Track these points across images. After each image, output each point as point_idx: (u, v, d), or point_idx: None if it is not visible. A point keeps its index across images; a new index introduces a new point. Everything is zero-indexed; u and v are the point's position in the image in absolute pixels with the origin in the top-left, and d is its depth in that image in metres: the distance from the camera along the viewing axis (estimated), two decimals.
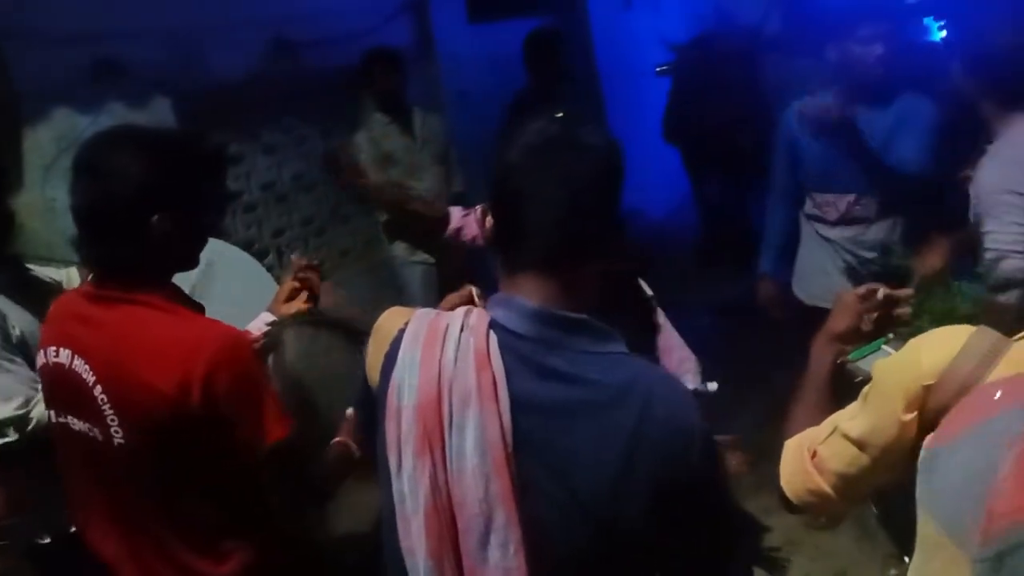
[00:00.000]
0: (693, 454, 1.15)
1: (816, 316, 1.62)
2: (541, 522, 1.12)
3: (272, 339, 2.03)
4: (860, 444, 1.22)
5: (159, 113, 3.45)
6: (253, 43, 3.91)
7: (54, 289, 2.14)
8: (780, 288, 3.21)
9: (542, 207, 1.17)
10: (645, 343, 2.30)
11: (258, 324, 2.05)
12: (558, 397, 1.13)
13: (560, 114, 1.25)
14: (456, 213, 2.48)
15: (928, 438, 1.09)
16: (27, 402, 1.93)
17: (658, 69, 6.33)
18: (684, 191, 6.61)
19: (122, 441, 1.58)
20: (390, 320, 1.30)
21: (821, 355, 1.54)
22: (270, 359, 2.08)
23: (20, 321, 2.01)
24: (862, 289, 1.57)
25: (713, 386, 2.39)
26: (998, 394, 0.85)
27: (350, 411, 1.82)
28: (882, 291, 1.55)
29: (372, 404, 1.27)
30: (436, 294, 3.87)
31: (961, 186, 2.37)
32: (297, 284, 2.08)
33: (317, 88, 4.23)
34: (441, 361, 1.14)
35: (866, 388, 1.25)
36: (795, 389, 1.52)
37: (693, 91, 5.81)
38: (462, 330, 1.17)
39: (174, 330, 1.56)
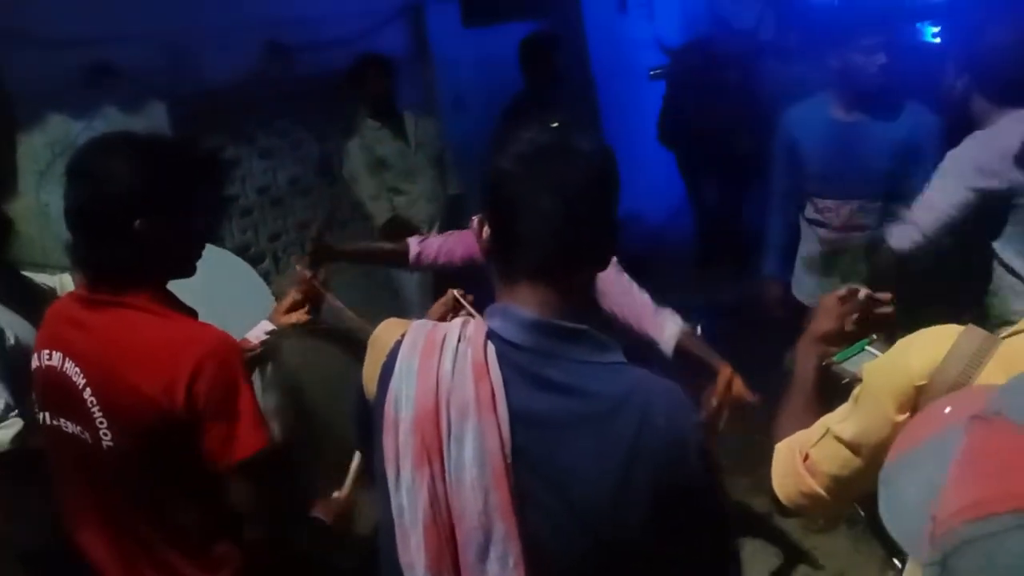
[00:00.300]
0: (692, 460, 1.14)
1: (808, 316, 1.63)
2: (540, 535, 1.11)
3: (270, 348, 2.03)
4: (852, 446, 1.22)
5: (154, 117, 3.45)
6: (248, 47, 3.91)
7: (48, 295, 2.14)
8: (785, 290, 3.21)
9: (538, 216, 1.16)
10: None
11: (257, 333, 2.05)
12: (556, 409, 1.12)
13: (555, 123, 1.24)
14: (412, 242, 2.51)
15: (889, 453, 1.09)
16: (5, 415, 1.92)
17: (652, 72, 6.34)
18: (680, 195, 6.62)
19: (111, 444, 1.58)
20: (387, 331, 1.29)
21: (806, 357, 1.54)
22: (269, 368, 2.08)
23: (16, 328, 2.00)
24: (843, 291, 1.57)
25: (698, 329, 2.43)
26: (947, 409, 0.86)
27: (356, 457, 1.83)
28: (863, 292, 1.56)
29: (368, 416, 1.25)
30: (432, 298, 3.85)
31: None
32: (299, 295, 2.08)
33: (312, 92, 4.23)
34: (439, 372, 1.13)
35: (857, 390, 1.26)
36: (783, 392, 1.52)
37: (687, 95, 5.82)
38: (459, 341, 1.15)
39: (162, 333, 1.56)
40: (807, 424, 1.34)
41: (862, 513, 3.00)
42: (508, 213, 1.19)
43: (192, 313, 1.68)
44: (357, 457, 1.86)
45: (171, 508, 1.63)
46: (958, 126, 2.46)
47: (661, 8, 7.09)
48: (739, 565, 1.25)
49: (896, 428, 1.17)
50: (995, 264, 2.38)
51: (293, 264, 2.40)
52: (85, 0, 3.20)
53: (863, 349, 1.51)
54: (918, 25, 3.96)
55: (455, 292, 1.55)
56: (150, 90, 3.43)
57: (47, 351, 1.65)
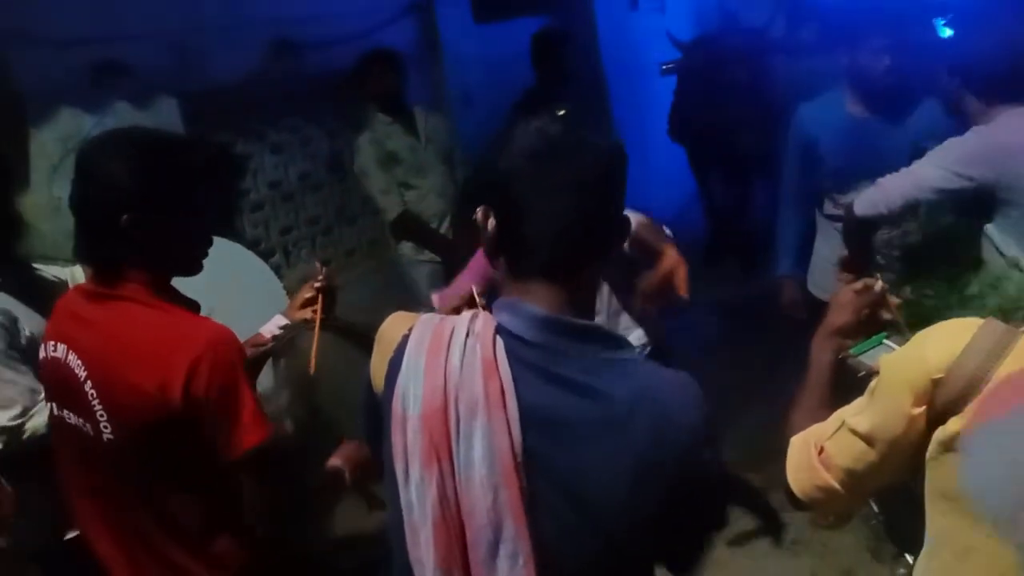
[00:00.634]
0: (704, 457, 1.14)
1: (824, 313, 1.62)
2: (550, 533, 1.10)
3: (283, 343, 2.03)
4: (868, 439, 1.22)
5: (164, 114, 3.46)
6: (257, 44, 3.92)
7: (59, 287, 2.15)
8: (801, 289, 3.19)
9: (548, 212, 1.15)
10: None
11: (270, 327, 2.06)
12: (568, 407, 1.11)
13: (563, 112, 1.23)
14: (434, 298, 2.47)
15: (952, 427, 1.09)
16: (23, 413, 1.93)
17: (663, 67, 6.33)
18: (690, 190, 6.61)
19: (111, 437, 1.59)
20: (393, 326, 1.27)
21: (822, 351, 1.53)
22: (282, 363, 2.08)
23: (30, 322, 2.02)
24: (859, 284, 1.56)
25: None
26: None
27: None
28: (879, 285, 1.55)
29: (377, 411, 1.25)
30: None
31: None
32: (315, 290, 2.09)
33: (323, 88, 4.23)
34: (447, 368, 1.11)
35: (873, 383, 1.25)
36: (799, 386, 1.52)
37: (698, 90, 5.81)
38: (468, 336, 1.13)
39: (159, 328, 1.56)
40: (823, 418, 1.34)
41: (875, 509, 2.99)
42: (518, 208, 1.17)
43: (194, 307, 1.68)
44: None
45: (171, 503, 1.63)
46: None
47: (672, 3, 7.08)
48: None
49: (912, 421, 1.16)
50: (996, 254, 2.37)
51: (304, 259, 2.40)
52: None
53: (880, 342, 1.50)
54: (932, 21, 3.93)
55: (473, 289, 1.54)
56: (161, 87, 3.44)
57: (52, 343, 1.67)
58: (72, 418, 1.65)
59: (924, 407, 1.16)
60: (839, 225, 3.01)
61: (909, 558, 2.85)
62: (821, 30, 5.09)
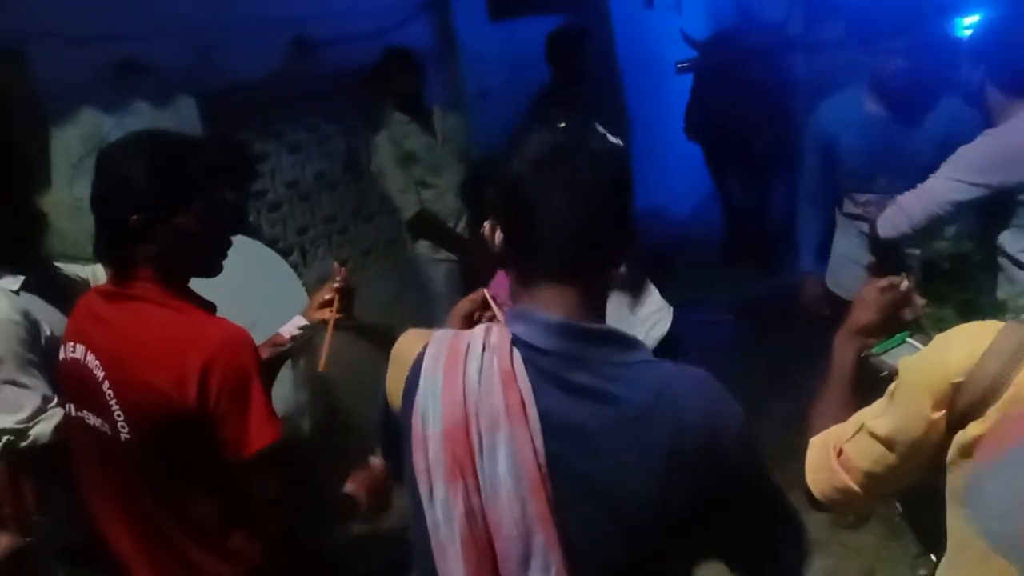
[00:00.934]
0: (734, 455, 1.13)
1: (844, 311, 1.61)
2: (580, 542, 1.09)
3: (303, 343, 2.04)
4: (887, 442, 1.21)
5: (184, 113, 3.48)
6: (276, 43, 3.93)
7: (81, 286, 2.16)
8: (823, 286, 3.17)
9: (558, 218, 1.14)
10: None
11: (290, 328, 2.07)
12: (588, 414, 1.10)
13: (563, 123, 1.22)
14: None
15: (972, 432, 1.08)
16: (31, 418, 1.95)
17: (679, 65, 6.31)
18: (708, 189, 6.59)
19: (128, 437, 1.61)
20: (407, 344, 1.26)
21: (844, 350, 1.53)
22: (301, 363, 2.09)
23: (52, 320, 2.03)
24: (884, 282, 1.55)
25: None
26: None
27: (375, 460, 1.82)
28: (904, 283, 1.54)
29: (395, 428, 1.24)
30: (460, 292, 3.86)
31: None
32: (336, 288, 2.09)
33: (340, 87, 4.24)
34: (464, 383, 1.11)
35: (892, 385, 1.24)
36: (819, 386, 1.51)
37: (714, 88, 5.79)
38: (484, 349, 1.13)
39: (174, 328, 1.58)
40: (844, 418, 1.33)
41: (899, 508, 2.98)
42: (524, 217, 1.16)
43: (210, 308, 1.70)
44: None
45: (187, 500, 1.64)
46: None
47: (688, 1, 7.05)
48: (801, 537, 1.23)
49: (931, 425, 1.15)
50: (1004, 260, 2.35)
51: (321, 257, 2.41)
52: None
53: (903, 342, 1.49)
54: (951, 19, 3.91)
55: (486, 292, 1.54)
56: (180, 86, 3.46)
57: (71, 344, 1.69)
58: (91, 419, 1.67)
59: (944, 411, 1.15)
60: (859, 223, 3.00)
61: (933, 558, 2.84)
62: (839, 27, 5.07)
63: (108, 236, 1.63)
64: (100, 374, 1.62)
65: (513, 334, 1.14)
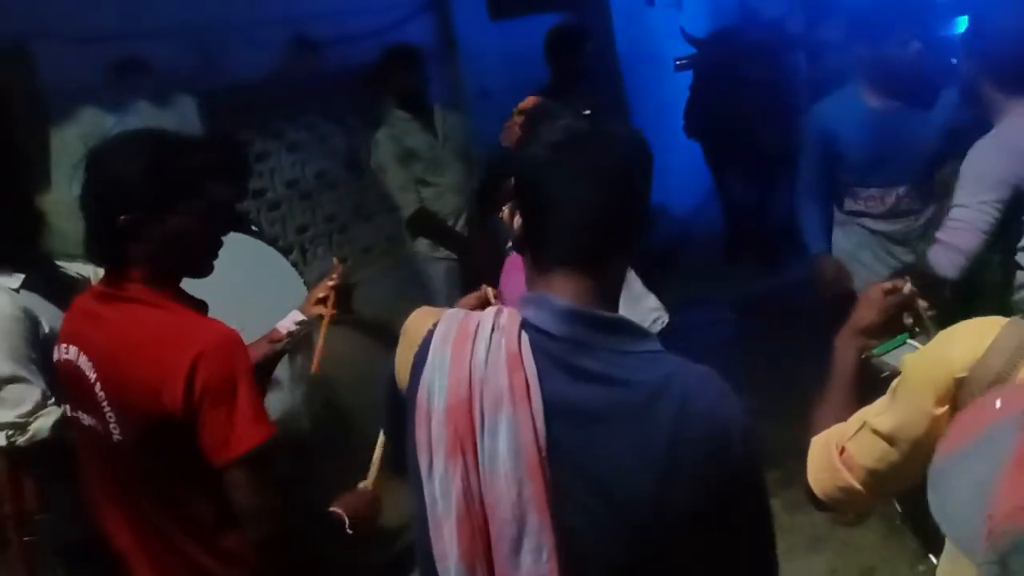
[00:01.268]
0: (735, 451, 1.12)
1: (844, 310, 1.61)
2: (575, 527, 1.10)
3: (301, 338, 2.04)
4: (890, 439, 1.21)
5: (184, 112, 3.48)
6: (276, 42, 3.93)
7: (82, 284, 2.17)
8: (838, 263, 3.10)
9: (574, 205, 1.15)
10: None
11: (287, 323, 2.07)
12: (592, 399, 1.10)
13: (588, 111, 1.23)
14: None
15: (936, 452, 1.08)
16: (31, 412, 1.95)
17: (677, 62, 6.30)
18: (709, 187, 6.59)
19: (120, 437, 1.61)
20: (419, 320, 1.28)
21: (845, 350, 1.53)
22: (299, 358, 2.09)
23: (53, 319, 2.03)
24: (888, 283, 1.56)
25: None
26: (998, 403, 0.84)
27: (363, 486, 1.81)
28: (908, 286, 1.54)
29: (399, 405, 1.25)
30: (459, 290, 3.87)
31: None
32: (332, 286, 2.09)
33: (340, 86, 4.24)
34: (472, 362, 1.12)
35: (895, 382, 1.24)
36: (820, 385, 1.51)
37: (714, 86, 5.79)
38: (493, 330, 1.14)
39: (163, 328, 1.58)
40: (844, 417, 1.33)
41: (899, 508, 2.98)
42: (543, 202, 1.18)
43: (202, 307, 1.69)
44: (380, 443, 1.84)
45: (182, 500, 1.65)
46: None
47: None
48: (774, 553, 1.23)
49: (934, 421, 1.15)
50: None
51: (321, 256, 2.41)
52: None
53: (904, 342, 1.49)
54: (951, 15, 3.91)
55: (489, 289, 1.55)
56: (180, 85, 3.46)
57: (65, 344, 1.69)
58: (86, 419, 1.68)
59: (946, 407, 1.14)
60: (862, 220, 3.00)
61: (933, 559, 2.84)
62: (840, 24, 5.07)
63: (98, 236, 1.63)
64: (92, 375, 1.62)
65: (523, 318, 1.15)
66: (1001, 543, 0.71)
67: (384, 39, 4.14)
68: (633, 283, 2.39)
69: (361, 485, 1.86)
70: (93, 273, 2.26)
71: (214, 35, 3.56)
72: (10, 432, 1.95)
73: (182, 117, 3.44)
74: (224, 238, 1.75)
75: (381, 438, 1.81)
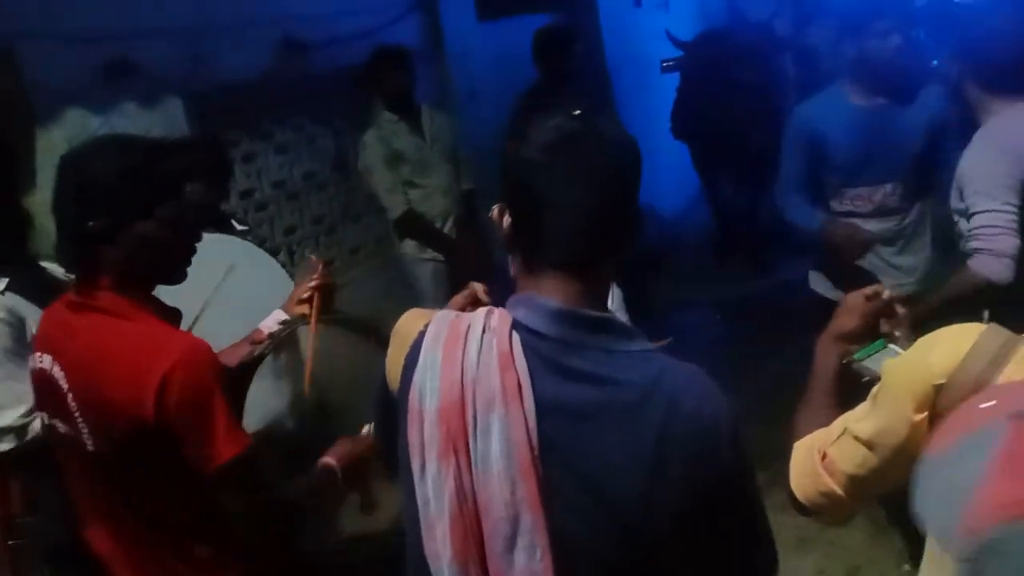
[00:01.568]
0: (723, 450, 1.13)
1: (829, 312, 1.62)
2: (568, 526, 1.10)
3: (280, 338, 2.03)
4: (870, 445, 1.22)
5: (171, 113, 3.47)
6: (264, 43, 3.92)
7: (67, 286, 2.15)
8: (849, 225, 2.97)
9: (565, 206, 1.16)
10: None
11: (270, 323, 2.05)
12: (583, 398, 1.11)
13: (579, 111, 1.23)
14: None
15: (924, 452, 1.09)
16: (30, 411, 1.94)
17: (663, 64, 6.32)
18: (694, 189, 6.61)
19: (93, 447, 1.60)
20: (410, 322, 1.28)
21: (826, 354, 1.54)
22: (283, 358, 2.08)
23: (37, 321, 2.02)
24: (869, 289, 1.57)
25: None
26: (984, 405, 0.85)
27: (365, 429, 1.81)
28: (887, 293, 1.56)
29: (392, 406, 1.25)
30: (447, 290, 3.86)
31: None
32: (314, 284, 2.08)
33: (328, 87, 4.24)
34: (463, 363, 1.12)
35: (875, 388, 1.25)
36: (802, 390, 1.52)
37: (701, 88, 5.81)
38: (484, 331, 1.14)
39: (133, 340, 1.56)
40: (826, 422, 1.34)
41: (883, 511, 3.00)
42: (533, 203, 1.18)
43: (174, 316, 1.68)
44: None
45: (157, 509, 1.64)
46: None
47: (676, 1, 7.07)
48: (772, 551, 1.24)
49: (914, 427, 1.16)
50: None
51: (308, 256, 2.39)
52: None
53: (884, 347, 1.50)
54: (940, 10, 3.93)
55: (478, 287, 1.54)
56: (167, 86, 3.45)
57: (39, 354, 1.68)
58: (61, 427, 1.66)
59: (926, 413, 1.15)
60: (850, 221, 2.99)
61: (907, 567, 2.86)
62: (824, 25, 5.10)
63: (69, 242, 1.61)
64: (65, 385, 1.61)
65: (514, 319, 1.15)
66: (981, 540, 0.72)
67: (372, 40, 4.13)
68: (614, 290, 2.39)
69: (365, 430, 1.85)
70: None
71: (202, 36, 3.55)
72: (10, 436, 1.94)
73: (169, 118, 3.43)
74: (215, 239, 1.74)
75: None
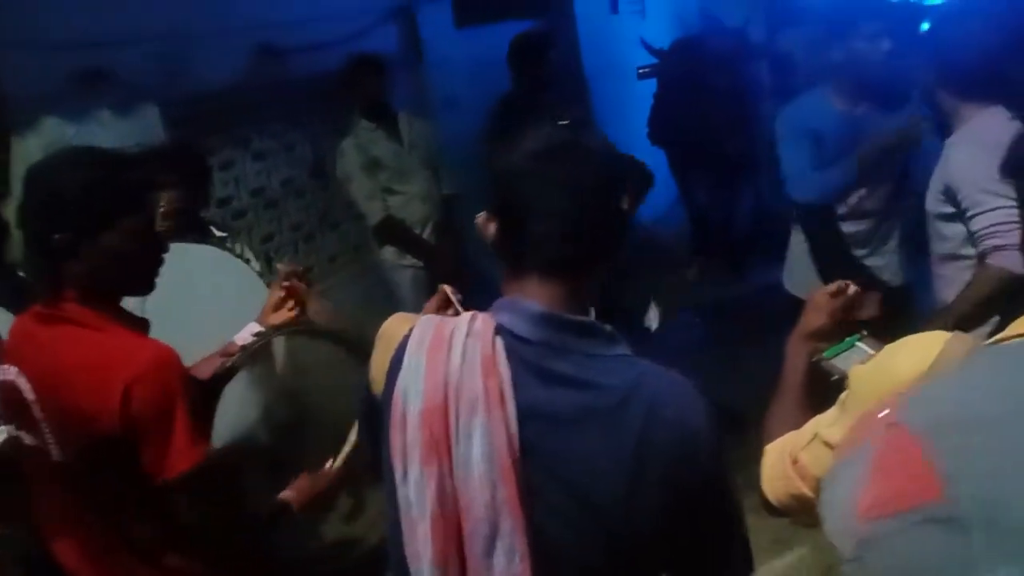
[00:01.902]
0: (702, 455, 1.15)
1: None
2: (548, 529, 1.12)
3: (253, 350, 2.01)
4: None
5: (148, 121, 3.45)
6: (241, 50, 3.90)
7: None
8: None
9: (551, 213, 1.17)
10: None
11: (244, 335, 2.04)
12: (565, 403, 1.13)
13: (565, 121, 1.25)
14: None
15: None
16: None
17: (640, 71, 6.35)
18: (675, 194, 6.64)
19: (59, 458, 1.60)
20: (395, 326, 1.29)
21: (796, 353, 1.55)
22: (258, 369, 2.07)
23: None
24: (833, 286, 1.58)
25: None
26: (883, 413, 0.87)
27: (329, 463, 1.83)
28: (852, 288, 1.57)
29: (375, 410, 1.26)
30: (427, 297, 3.84)
31: None
32: (283, 293, 2.07)
33: (305, 94, 4.23)
34: (447, 367, 1.14)
35: (844, 394, 1.26)
36: (773, 390, 1.53)
37: (677, 94, 5.84)
38: (468, 336, 1.16)
39: (99, 350, 1.56)
40: (797, 423, 1.35)
41: None
42: (519, 210, 1.20)
43: (142, 326, 1.68)
44: (352, 437, 1.85)
45: (125, 519, 1.64)
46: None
47: (652, 8, 7.10)
48: (748, 555, 1.26)
49: None
50: None
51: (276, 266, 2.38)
52: (78, 4, 3.19)
53: (853, 345, 1.51)
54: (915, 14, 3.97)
55: (447, 288, 1.56)
56: (144, 94, 3.43)
57: (5, 365, 1.67)
58: (27, 439, 1.66)
59: None
60: (848, 223, 3.01)
61: None
62: (801, 33, 5.13)
63: (35, 254, 1.61)
64: (31, 396, 1.61)
65: (498, 323, 1.17)
66: (860, 539, 0.75)
67: (350, 47, 4.13)
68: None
69: (328, 465, 1.87)
70: None
71: (178, 44, 3.53)
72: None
73: (145, 126, 3.41)
74: (192, 248, 1.73)
75: (353, 435, 1.82)
